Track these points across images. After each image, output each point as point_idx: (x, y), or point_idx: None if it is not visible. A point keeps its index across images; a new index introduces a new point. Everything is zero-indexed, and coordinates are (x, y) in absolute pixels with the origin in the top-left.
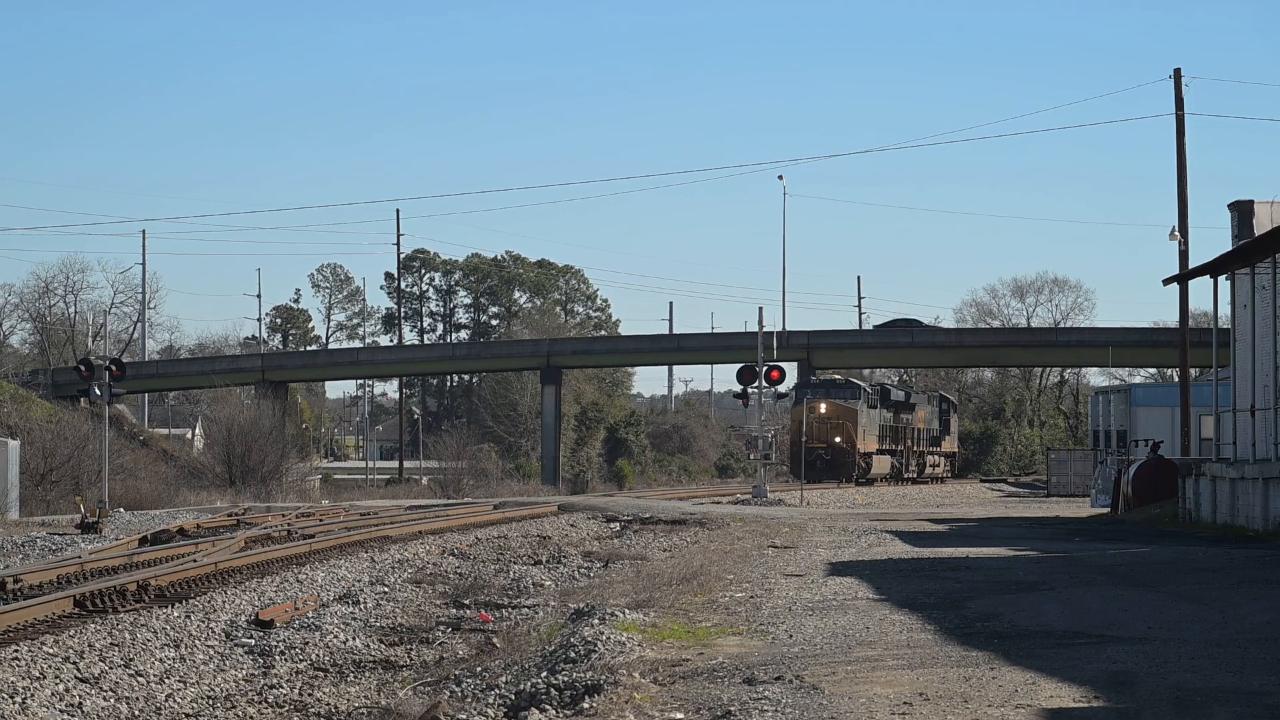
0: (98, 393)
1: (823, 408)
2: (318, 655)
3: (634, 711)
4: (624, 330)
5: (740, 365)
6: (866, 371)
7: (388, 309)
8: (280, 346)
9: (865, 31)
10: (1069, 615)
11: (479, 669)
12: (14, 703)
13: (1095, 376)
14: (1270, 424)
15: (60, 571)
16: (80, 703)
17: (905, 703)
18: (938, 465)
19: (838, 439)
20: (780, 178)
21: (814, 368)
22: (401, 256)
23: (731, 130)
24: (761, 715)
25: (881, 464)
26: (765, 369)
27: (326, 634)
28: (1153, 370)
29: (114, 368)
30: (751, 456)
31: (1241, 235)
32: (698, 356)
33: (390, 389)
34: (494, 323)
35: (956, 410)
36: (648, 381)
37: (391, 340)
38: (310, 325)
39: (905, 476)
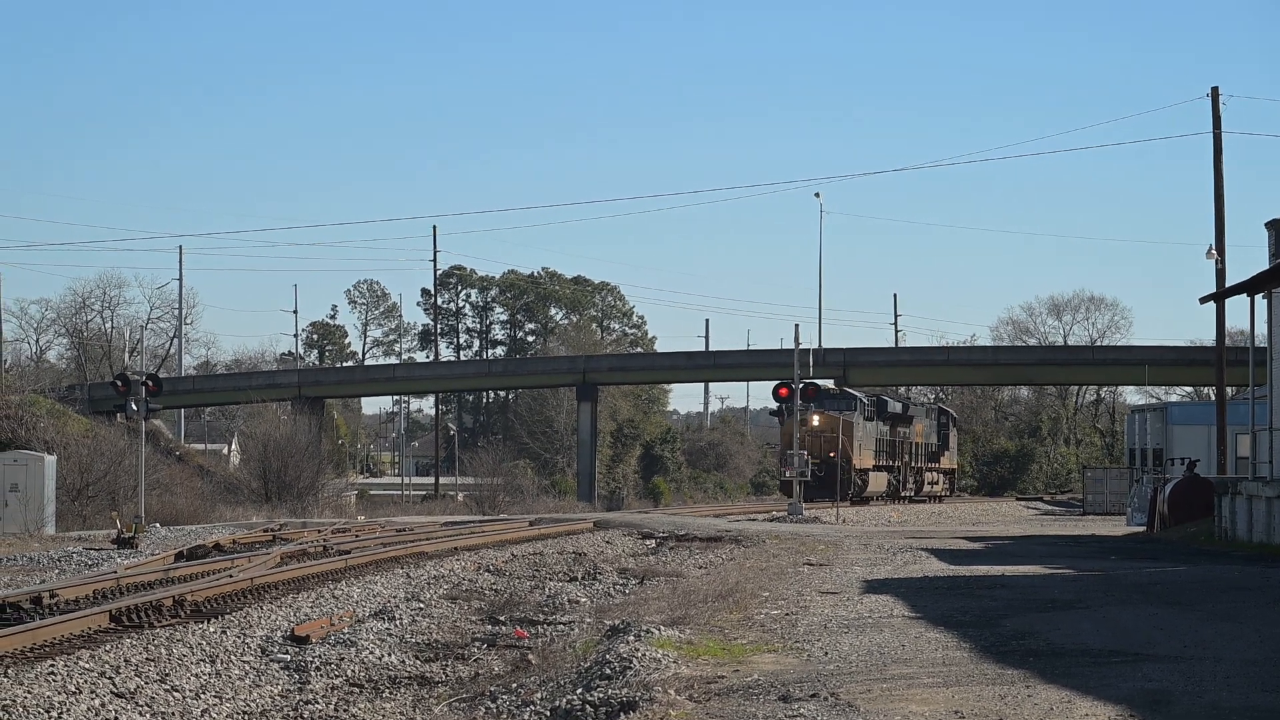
0: (134, 408)
1: (815, 420)
2: (353, 671)
3: None
4: (660, 347)
5: (776, 382)
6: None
7: (424, 325)
8: (316, 362)
9: (903, 51)
10: (1105, 633)
11: (514, 686)
12: (49, 717)
13: (1131, 395)
14: None
15: (96, 586)
16: (116, 718)
17: None
18: (936, 482)
19: (831, 454)
20: (817, 195)
21: (850, 386)
22: (438, 273)
23: (769, 148)
24: None
25: (878, 481)
26: (801, 386)
27: (362, 650)
28: (1189, 389)
29: (150, 383)
30: (787, 474)
31: (1279, 254)
32: (733, 374)
33: (426, 405)
34: (530, 339)
35: (956, 424)
36: (684, 398)
37: (427, 356)
38: (346, 341)
39: (902, 495)
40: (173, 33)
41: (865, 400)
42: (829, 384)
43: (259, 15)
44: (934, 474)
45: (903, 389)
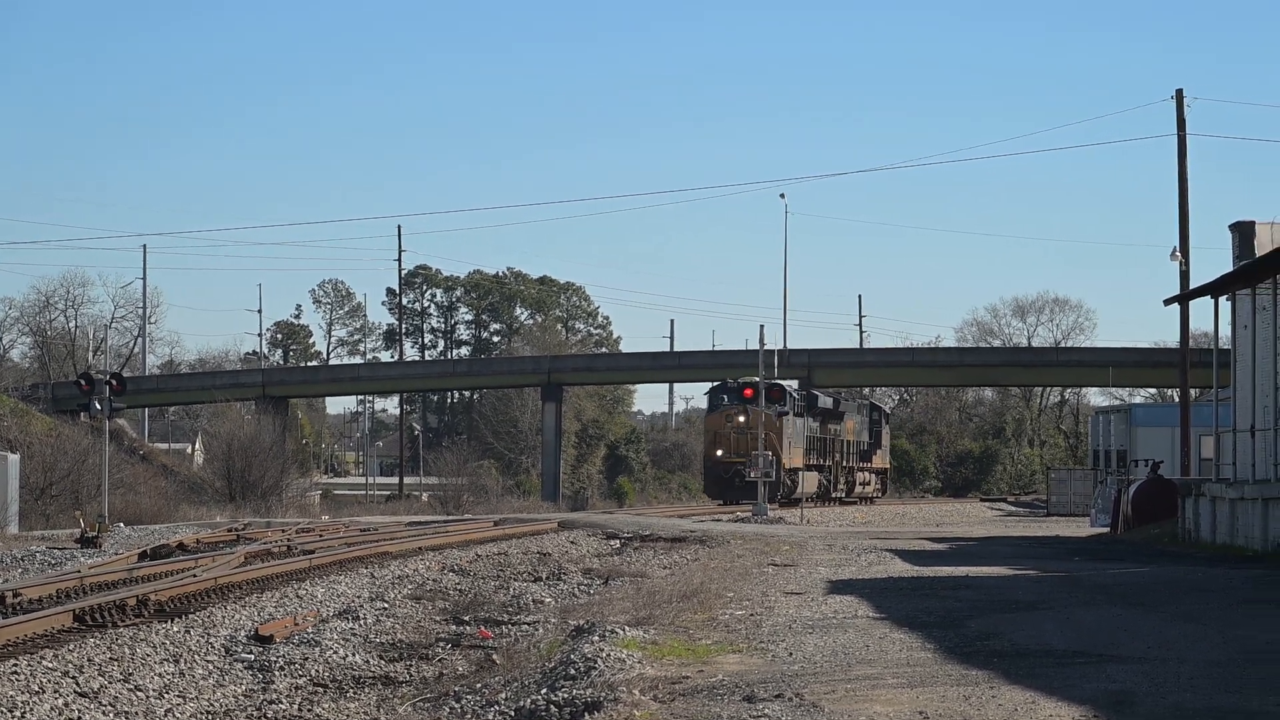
0: (98, 407)
1: (742, 416)
2: (317, 671)
3: None
4: (625, 348)
5: (741, 383)
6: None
7: (389, 325)
8: (281, 362)
9: (867, 52)
10: (1069, 634)
11: (479, 686)
12: (13, 717)
13: (1095, 396)
14: (1270, 444)
15: (60, 586)
16: (79, 717)
17: None
18: (868, 483)
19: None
20: (782, 196)
21: (814, 386)
22: (403, 272)
23: (733, 149)
24: None
25: (809, 482)
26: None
27: (326, 650)
28: (1153, 390)
29: (114, 382)
30: (751, 475)
31: (1243, 256)
32: (698, 374)
33: (391, 405)
34: (495, 339)
35: (889, 420)
36: (649, 399)
37: (392, 356)
38: (311, 341)
39: (833, 496)
40: (139, 37)
41: (795, 395)
42: (793, 384)
43: (226, 19)
44: (866, 474)
45: (904, 397)
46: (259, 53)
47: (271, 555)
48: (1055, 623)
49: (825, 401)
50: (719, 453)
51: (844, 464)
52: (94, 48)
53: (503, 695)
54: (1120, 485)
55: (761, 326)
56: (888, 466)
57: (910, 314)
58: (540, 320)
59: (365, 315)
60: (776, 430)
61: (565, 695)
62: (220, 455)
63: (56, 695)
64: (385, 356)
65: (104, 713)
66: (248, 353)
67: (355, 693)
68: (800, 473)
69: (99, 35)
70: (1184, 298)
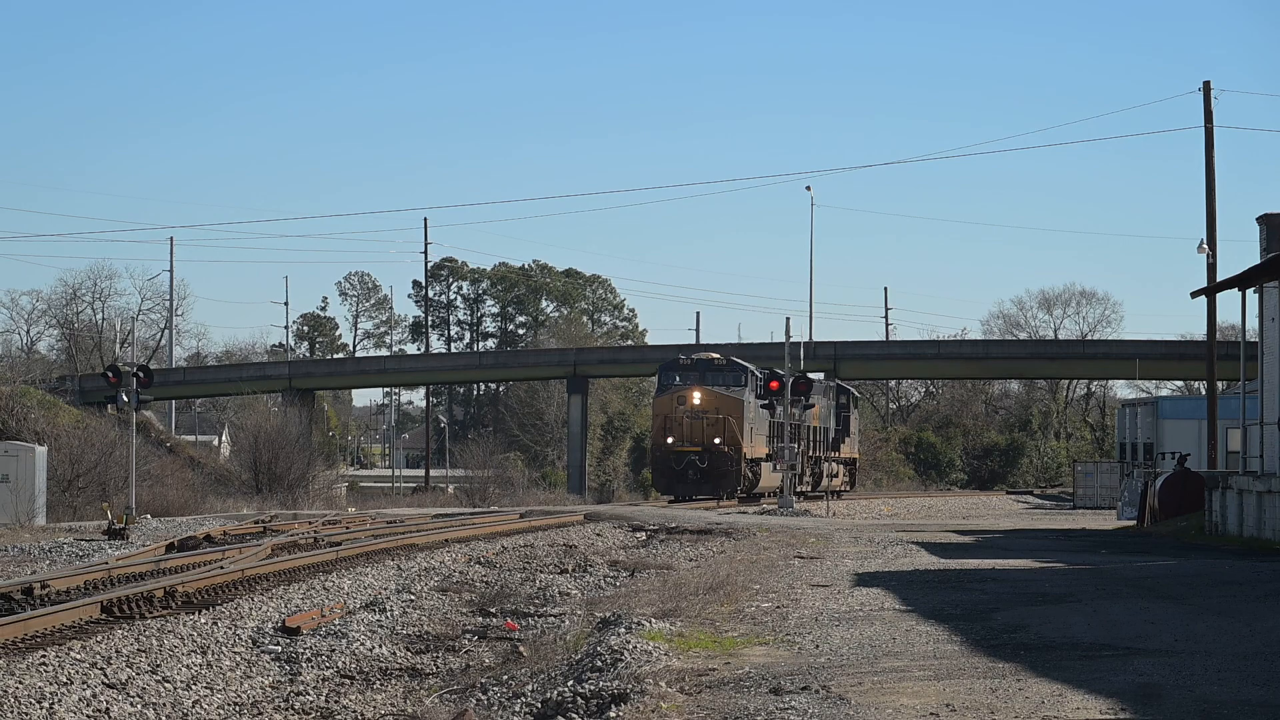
0: (125, 399)
1: (696, 398)
2: (344, 663)
3: None
4: (651, 340)
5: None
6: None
7: (415, 317)
8: (307, 354)
9: (893, 47)
10: (1095, 627)
11: (505, 677)
12: (41, 708)
13: (1122, 389)
14: None
15: (87, 577)
16: (107, 708)
17: (932, 713)
18: (836, 475)
19: (717, 439)
20: (808, 189)
21: (841, 379)
22: (429, 265)
23: (760, 141)
24: None
25: (772, 474)
26: (792, 380)
27: (353, 641)
28: (1180, 383)
29: (141, 374)
30: (777, 467)
31: (1270, 248)
32: None
33: (417, 397)
34: (521, 332)
35: (857, 404)
36: None
37: (418, 349)
38: (337, 333)
39: (798, 490)
40: (165, 28)
41: (757, 374)
42: (818, 378)
43: (252, 11)
44: (833, 464)
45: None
46: (287, 46)
47: (298, 547)
48: (1082, 616)
49: None
50: (669, 440)
51: (810, 453)
52: (124, 40)
53: (529, 687)
54: (1147, 478)
55: (788, 319)
56: (857, 456)
57: (936, 307)
58: (566, 313)
59: (391, 308)
60: (737, 415)
61: (592, 687)
62: (247, 447)
63: (85, 686)
64: (411, 349)
65: (132, 704)
66: (274, 345)
67: (382, 684)
68: (763, 463)
69: (132, 28)
70: (1211, 290)
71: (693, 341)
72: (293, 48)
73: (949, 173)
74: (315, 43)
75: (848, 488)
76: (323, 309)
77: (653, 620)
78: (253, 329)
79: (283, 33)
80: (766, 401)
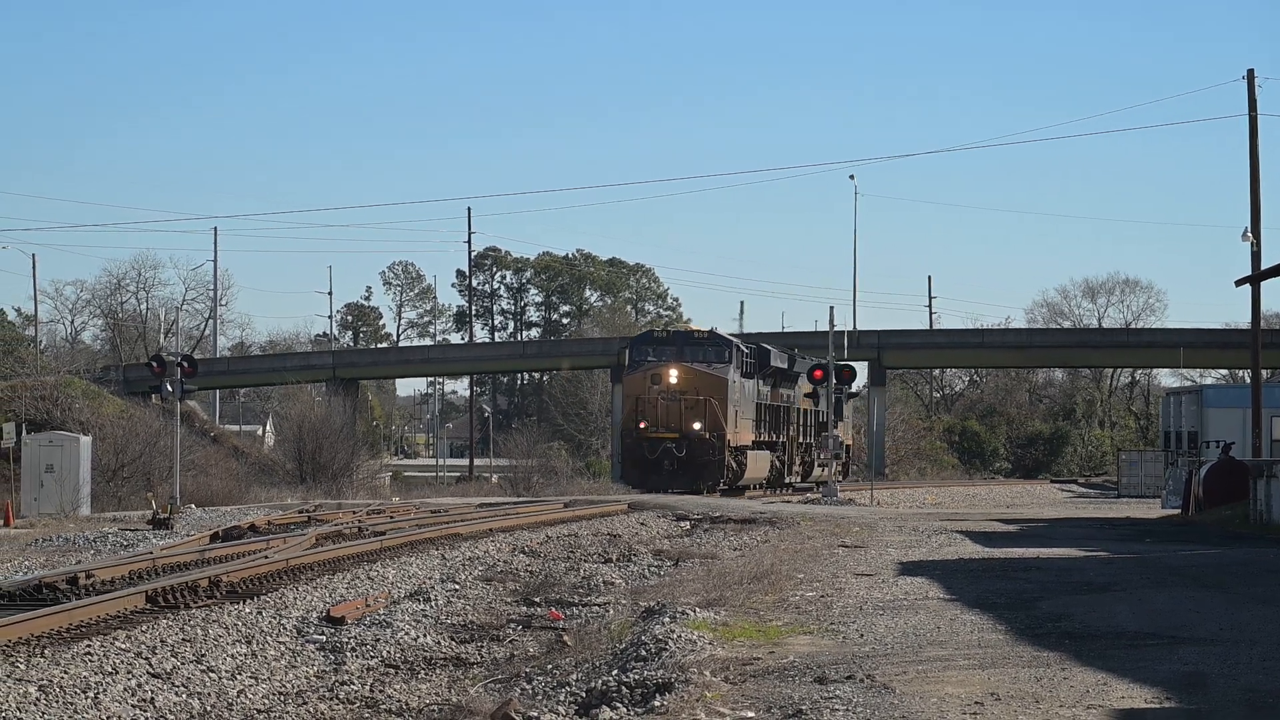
0: (169, 389)
1: (673, 376)
2: (389, 652)
3: (705, 710)
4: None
5: (811, 364)
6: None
7: (459, 307)
8: (351, 344)
9: (937, 33)
10: (1140, 616)
11: (550, 667)
12: (87, 698)
13: (1166, 378)
14: None
15: (132, 567)
16: (152, 698)
17: (977, 702)
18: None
19: (696, 425)
20: (852, 177)
21: (884, 367)
22: (473, 254)
23: (803, 129)
24: (833, 714)
25: (759, 464)
26: (837, 368)
27: (397, 631)
28: (1224, 371)
29: (185, 364)
30: (821, 455)
31: None
32: None
33: (460, 387)
34: (565, 321)
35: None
36: None
37: (462, 338)
38: (381, 323)
39: (786, 481)
40: (206, 12)
41: (744, 349)
42: (862, 366)
43: (298, 2)
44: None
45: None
46: (331, 33)
47: (343, 536)
48: (1126, 604)
49: (779, 360)
50: (641, 424)
51: (799, 440)
52: (165, 29)
53: (574, 676)
54: (1191, 467)
55: (831, 308)
56: (850, 443)
57: (980, 295)
58: (610, 302)
59: (435, 297)
60: (720, 396)
61: (636, 676)
62: (291, 437)
63: (130, 676)
64: (455, 338)
65: (177, 694)
66: (318, 334)
67: (426, 674)
68: (749, 451)
69: (174, 15)
70: (1256, 278)
71: (737, 330)
72: (337, 37)
73: (993, 161)
74: (359, 32)
75: (840, 478)
76: (367, 298)
77: (697, 609)
78: (297, 319)
79: (327, 22)
80: (753, 380)
